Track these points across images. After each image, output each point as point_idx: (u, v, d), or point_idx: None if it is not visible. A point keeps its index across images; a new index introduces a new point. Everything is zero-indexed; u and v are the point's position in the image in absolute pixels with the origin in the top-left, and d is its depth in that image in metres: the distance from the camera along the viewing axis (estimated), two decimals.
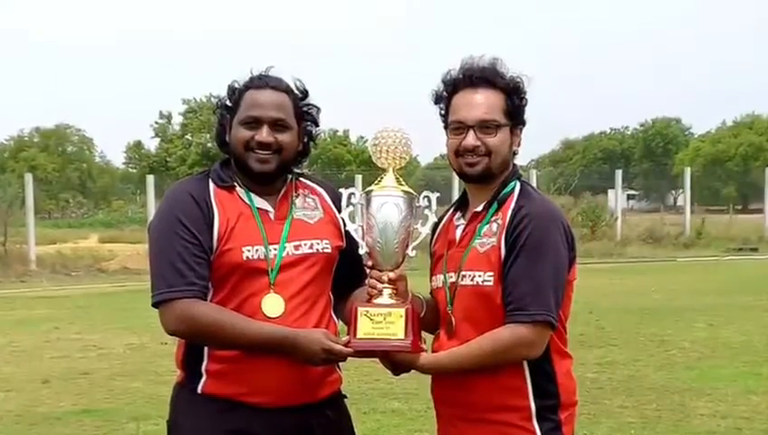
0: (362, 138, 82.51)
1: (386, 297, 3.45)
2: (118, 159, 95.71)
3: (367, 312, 3.41)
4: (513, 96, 3.60)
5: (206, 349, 3.52)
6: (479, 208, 3.58)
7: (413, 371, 3.48)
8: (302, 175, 3.82)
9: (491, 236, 3.50)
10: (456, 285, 3.54)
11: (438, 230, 3.78)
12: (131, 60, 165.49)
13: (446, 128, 3.67)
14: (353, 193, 3.60)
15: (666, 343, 12.15)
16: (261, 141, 3.53)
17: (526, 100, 3.66)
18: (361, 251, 3.54)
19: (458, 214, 3.71)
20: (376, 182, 3.55)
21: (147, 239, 3.65)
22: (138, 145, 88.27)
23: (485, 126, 3.51)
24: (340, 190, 3.65)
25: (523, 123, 3.67)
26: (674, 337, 12.60)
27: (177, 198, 3.59)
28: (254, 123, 3.53)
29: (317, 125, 3.78)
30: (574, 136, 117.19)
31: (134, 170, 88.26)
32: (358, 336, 3.39)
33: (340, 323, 3.70)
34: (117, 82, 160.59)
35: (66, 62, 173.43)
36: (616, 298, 17.37)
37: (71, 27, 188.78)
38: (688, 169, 42.03)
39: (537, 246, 3.41)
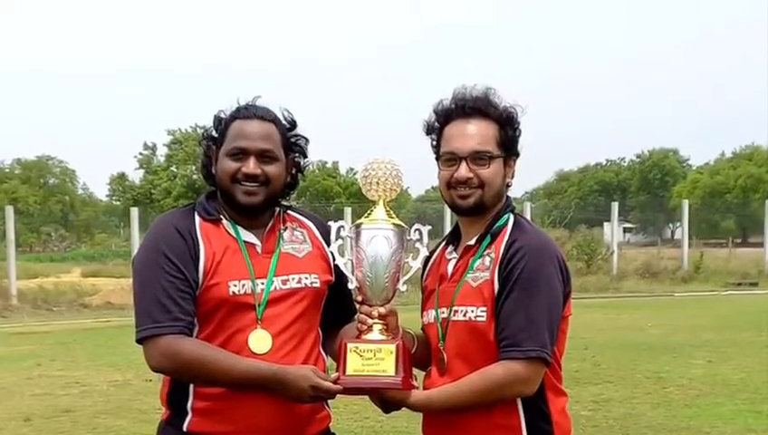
0: (352, 169, 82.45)
1: (376, 333, 3.45)
2: (101, 191, 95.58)
3: (356, 348, 3.41)
4: (507, 127, 3.61)
5: (191, 386, 3.51)
6: (471, 242, 3.58)
7: (404, 408, 3.47)
8: (290, 207, 3.83)
9: (484, 270, 3.50)
10: (447, 321, 3.55)
11: (430, 264, 3.79)
12: (114, 90, 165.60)
13: (437, 159, 3.67)
14: (342, 226, 3.62)
15: (663, 380, 12.13)
16: (248, 173, 3.53)
17: (520, 130, 3.68)
18: (351, 286, 3.55)
19: (450, 247, 3.71)
20: (366, 215, 3.56)
21: (131, 273, 3.65)
22: (121, 177, 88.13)
23: (478, 157, 3.52)
24: (329, 223, 3.66)
25: (517, 154, 3.68)
26: (671, 374, 12.57)
27: (162, 231, 3.58)
28: (241, 154, 3.53)
29: (305, 156, 3.78)
30: (569, 167, 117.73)
31: (118, 203, 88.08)
32: (347, 373, 3.39)
33: (330, 359, 3.70)
34: (100, 112, 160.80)
35: (48, 93, 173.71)
36: (612, 334, 17.34)
37: (50, 57, 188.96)
38: (686, 201, 42.19)
39: (531, 280, 3.41)
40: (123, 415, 10.36)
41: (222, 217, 3.61)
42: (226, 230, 3.60)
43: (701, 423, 9.62)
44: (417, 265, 3.62)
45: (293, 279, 3.60)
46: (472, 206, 3.56)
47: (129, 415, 10.34)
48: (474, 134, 3.54)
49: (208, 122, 3.69)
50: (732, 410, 10.31)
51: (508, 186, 3.68)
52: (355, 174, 71.49)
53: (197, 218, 3.60)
